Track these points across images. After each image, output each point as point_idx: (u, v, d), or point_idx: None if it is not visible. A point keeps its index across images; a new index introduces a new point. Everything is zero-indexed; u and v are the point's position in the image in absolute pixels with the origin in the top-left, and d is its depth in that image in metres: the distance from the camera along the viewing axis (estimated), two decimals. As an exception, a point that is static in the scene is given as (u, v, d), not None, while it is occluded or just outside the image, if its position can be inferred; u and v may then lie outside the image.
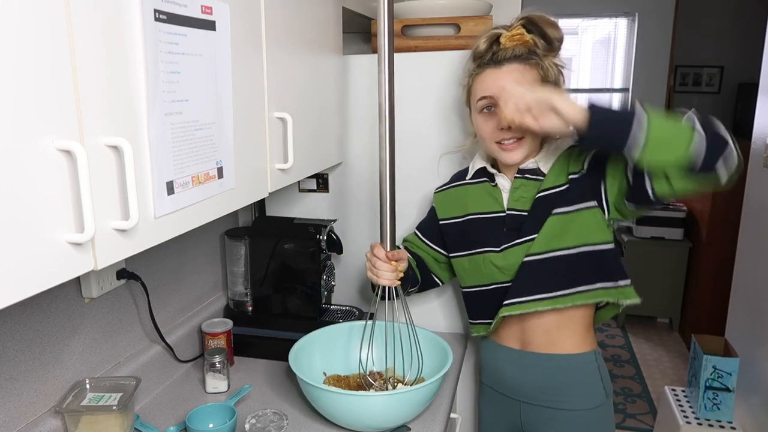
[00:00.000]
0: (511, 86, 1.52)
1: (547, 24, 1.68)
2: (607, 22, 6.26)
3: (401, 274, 1.76)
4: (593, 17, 6.20)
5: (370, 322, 1.84)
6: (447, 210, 1.91)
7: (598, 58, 6.28)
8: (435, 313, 2.31)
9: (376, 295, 1.77)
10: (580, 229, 1.65)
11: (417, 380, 1.83)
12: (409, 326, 1.81)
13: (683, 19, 6.01)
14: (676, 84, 6.25)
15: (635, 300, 1.67)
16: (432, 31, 2.17)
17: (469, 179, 1.87)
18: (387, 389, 1.80)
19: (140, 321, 1.87)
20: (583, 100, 1.45)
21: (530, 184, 1.73)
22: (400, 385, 1.82)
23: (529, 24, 1.68)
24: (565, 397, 1.75)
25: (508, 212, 1.75)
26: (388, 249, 1.73)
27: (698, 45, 6.12)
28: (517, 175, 1.75)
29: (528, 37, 1.67)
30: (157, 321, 1.89)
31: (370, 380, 1.83)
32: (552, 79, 1.68)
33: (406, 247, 2.01)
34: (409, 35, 2.19)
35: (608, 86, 6.30)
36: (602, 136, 1.45)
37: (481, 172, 1.84)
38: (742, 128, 5.48)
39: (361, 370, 1.86)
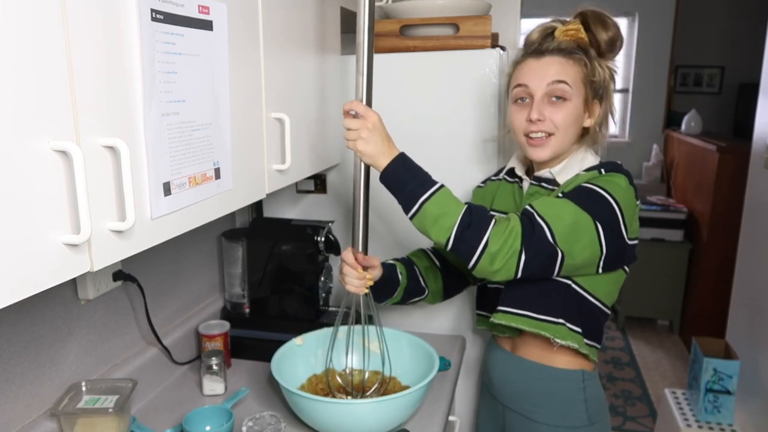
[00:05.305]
0: (359, 107, 1.59)
1: (602, 23, 1.65)
2: (607, 21, 6.25)
3: (370, 282, 1.75)
4: (593, 17, 6.16)
5: (341, 327, 1.84)
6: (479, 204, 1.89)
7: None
8: (435, 314, 2.31)
9: (344, 300, 1.78)
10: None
11: (391, 382, 1.85)
12: (379, 335, 1.81)
13: (684, 19, 6.02)
14: (676, 84, 6.27)
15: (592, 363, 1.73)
16: (430, 31, 2.17)
17: (503, 176, 1.88)
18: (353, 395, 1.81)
19: (137, 323, 1.87)
20: (393, 152, 1.59)
21: (543, 194, 1.70)
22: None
23: (587, 20, 1.65)
24: (542, 409, 1.72)
25: None
26: (360, 253, 1.73)
27: (699, 45, 6.14)
28: (533, 182, 1.74)
29: (584, 34, 1.64)
30: (154, 323, 1.88)
31: (342, 389, 1.84)
32: (598, 79, 1.64)
33: (434, 250, 2.00)
34: (407, 35, 2.19)
35: (608, 87, 6.28)
36: (391, 190, 1.59)
37: (513, 173, 1.83)
38: (743, 129, 5.49)
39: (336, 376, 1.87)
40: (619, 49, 1.68)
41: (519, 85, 1.67)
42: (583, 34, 1.64)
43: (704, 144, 4.82)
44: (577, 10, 1.67)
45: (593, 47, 1.65)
